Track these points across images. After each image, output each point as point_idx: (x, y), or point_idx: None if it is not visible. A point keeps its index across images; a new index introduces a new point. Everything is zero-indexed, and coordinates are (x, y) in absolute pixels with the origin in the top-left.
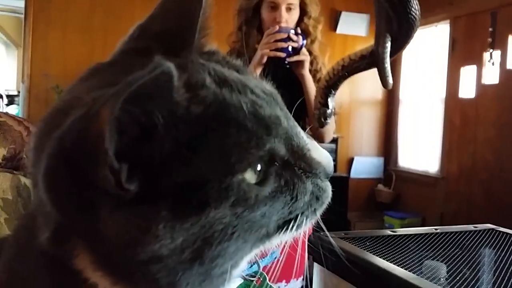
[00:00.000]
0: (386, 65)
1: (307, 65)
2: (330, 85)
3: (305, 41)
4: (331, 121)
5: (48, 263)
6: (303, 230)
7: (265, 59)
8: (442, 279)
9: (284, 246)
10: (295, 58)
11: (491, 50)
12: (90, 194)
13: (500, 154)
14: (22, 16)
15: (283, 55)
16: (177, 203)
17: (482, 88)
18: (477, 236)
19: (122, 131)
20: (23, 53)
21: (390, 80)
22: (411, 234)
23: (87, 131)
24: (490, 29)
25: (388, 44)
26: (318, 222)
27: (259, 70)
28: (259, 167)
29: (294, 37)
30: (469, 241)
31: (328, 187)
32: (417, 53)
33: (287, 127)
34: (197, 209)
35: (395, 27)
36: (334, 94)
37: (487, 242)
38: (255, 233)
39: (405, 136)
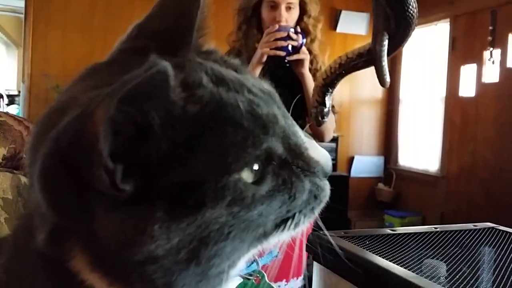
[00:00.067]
0: (383, 64)
1: (307, 64)
2: (327, 83)
3: (305, 40)
4: (331, 120)
5: (45, 264)
6: (301, 228)
7: (265, 58)
8: (442, 277)
9: (284, 245)
10: (295, 56)
11: (491, 49)
12: (86, 195)
13: (500, 153)
14: (22, 16)
15: (283, 53)
16: (173, 203)
17: (482, 87)
18: (477, 235)
19: (117, 131)
20: (23, 53)
21: (388, 78)
22: (410, 233)
23: (82, 131)
24: (490, 28)
25: (386, 42)
26: (317, 221)
27: (259, 69)
28: (256, 166)
29: (294, 36)
30: (469, 240)
31: (327, 186)
32: (417, 52)
33: (284, 125)
34: (193, 209)
35: (392, 25)
36: (332, 92)
37: (487, 241)
38: (252, 232)
39: (405, 135)
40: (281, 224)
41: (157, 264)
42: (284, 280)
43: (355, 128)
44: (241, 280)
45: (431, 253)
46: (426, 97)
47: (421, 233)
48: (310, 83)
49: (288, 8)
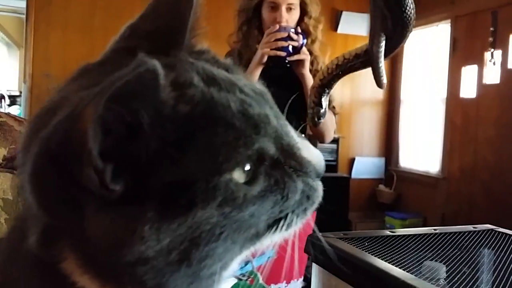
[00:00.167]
0: (380, 65)
1: (307, 65)
2: (324, 84)
3: (305, 40)
4: (332, 121)
5: (37, 266)
6: (294, 229)
7: (265, 58)
8: (441, 279)
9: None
10: (296, 57)
11: (492, 50)
12: (76, 195)
13: (501, 154)
14: (24, 16)
15: (283, 54)
16: (164, 204)
17: (483, 88)
18: (477, 237)
19: (107, 131)
20: (25, 53)
21: (384, 80)
22: (410, 235)
23: (72, 131)
24: (491, 29)
25: (383, 44)
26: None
27: (259, 69)
28: (247, 167)
29: (295, 36)
30: (468, 242)
31: (319, 187)
32: (418, 53)
33: (276, 126)
34: (184, 210)
35: (390, 26)
36: (328, 93)
37: (486, 243)
38: (244, 233)
39: (406, 136)
40: (273, 224)
41: (147, 265)
42: (285, 281)
43: (355, 129)
44: (235, 280)
45: (430, 255)
46: (427, 98)
47: (420, 234)
48: (311, 84)
49: (289, 9)
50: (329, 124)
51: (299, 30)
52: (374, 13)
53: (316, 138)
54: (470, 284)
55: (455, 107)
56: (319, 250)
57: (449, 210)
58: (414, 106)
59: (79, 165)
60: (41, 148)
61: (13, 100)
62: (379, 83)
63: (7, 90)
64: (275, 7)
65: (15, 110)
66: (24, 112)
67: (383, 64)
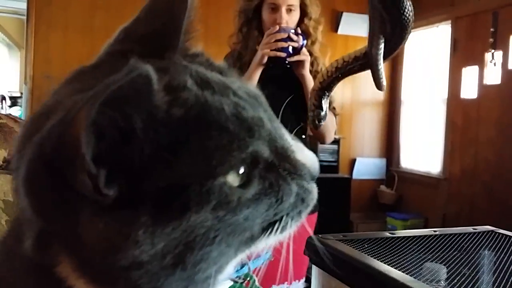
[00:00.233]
0: (379, 67)
1: (307, 65)
2: (324, 87)
3: (305, 41)
4: (332, 122)
5: (32, 269)
6: (289, 232)
7: (265, 59)
8: (442, 281)
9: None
10: (296, 58)
11: (492, 51)
12: (71, 199)
13: (502, 154)
14: (24, 17)
15: (283, 55)
16: (158, 208)
17: (484, 89)
18: (477, 238)
19: (100, 136)
20: (26, 54)
21: (384, 82)
22: (410, 236)
23: (65, 136)
24: (492, 30)
25: (382, 46)
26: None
27: (259, 70)
28: (242, 170)
29: (295, 37)
30: (468, 243)
31: (314, 189)
32: (418, 53)
33: (270, 129)
34: (178, 214)
35: (388, 28)
36: (328, 95)
37: (486, 244)
38: (239, 236)
39: (407, 137)
40: (268, 227)
41: (142, 270)
42: (286, 283)
43: (356, 130)
44: (231, 283)
45: (430, 256)
46: (428, 99)
47: (420, 236)
48: (311, 85)
49: (289, 10)
50: (329, 125)
51: (299, 31)
52: (373, 16)
53: (316, 139)
54: (470, 285)
55: (456, 107)
56: (318, 252)
57: (450, 210)
58: (415, 106)
59: (72, 170)
60: (35, 153)
61: (14, 101)
62: (378, 86)
63: (8, 91)
64: (275, 8)
65: (16, 111)
66: (25, 113)
67: (382, 66)
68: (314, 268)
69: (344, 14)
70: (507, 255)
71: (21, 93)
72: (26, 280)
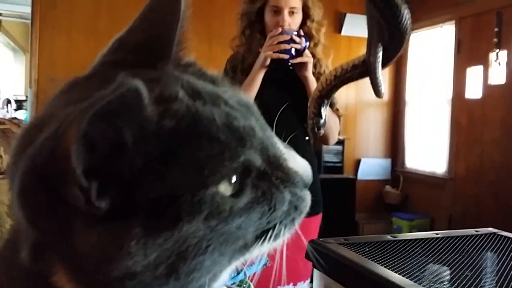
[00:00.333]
0: (378, 75)
1: (310, 67)
2: (323, 95)
3: (308, 43)
4: (336, 123)
5: (30, 279)
6: (282, 239)
7: (268, 61)
8: (445, 283)
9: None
10: (298, 60)
11: (497, 50)
12: (64, 211)
13: (507, 154)
14: (29, 21)
15: (286, 56)
16: (150, 219)
17: (488, 89)
18: (479, 240)
19: (91, 149)
20: (30, 58)
21: (382, 89)
22: (411, 239)
23: (56, 150)
24: (496, 29)
25: (380, 54)
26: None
27: (262, 73)
28: (234, 179)
29: (297, 39)
30: (470, 246)
31: (307, 196)
32: (422, 54)
33: (262, 137)
34: (170, 224)
35: (386, 36)
36: (327, 103)
37: (489, 246)
38: (232, 245)
39: (412, 137)
40: (261, 235)
41: (135, 280)
42: (292, 283)
43: (361, 130)
44: None
45: (433, 259)
46: (432, 99)
47: (422, 239)
48: (314, 87)
49: (291, 13)
50: (333, 126)
51: (302, 33)
52: (371, 24)
53: (320, 140)
54: (473, 287)
55: (461, 107)
56: (321, 255)
57: (456, 210)
58: (420, 107)
59: (64, 184)
60: (28, 166)
61: (19, 104)
62: (377, 93)
63: (14, 95)
64: (278, 11)
65: (21, 115)
66: (30, 117)
67: (380, 74)
68: (316, 272)
69: (348, 15)
70: (510, 257)
71: (26, 97)
72: None
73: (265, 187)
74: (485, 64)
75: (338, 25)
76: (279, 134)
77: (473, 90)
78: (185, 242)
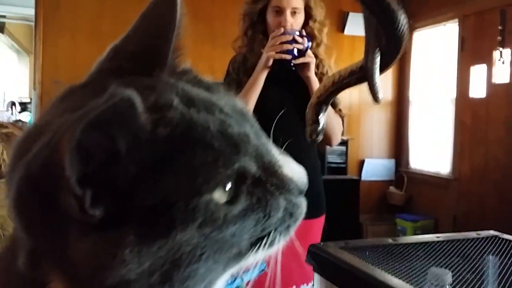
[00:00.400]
0: (375, 80)
1: (312, 67)
2: (321, 101)
3: (310, 43)
4: (339, 124)
5: (27, 286)
6: (277, 247)
7: (270, 62)
8: (447, 286)
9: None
10: (301, 60)
11: (501, 49)
12: (59, 220)
13: None
14: (33, 23)
15: (288, 57)
16: (144, 227)
17: (492, 87)
18: (480, 244)
19: (84, 158)
20: (34, 60)
21: (380, 95)
22: (412, 243)
23: (50, 160)
24: (500, 27)
25: (378, 59)
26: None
27: (265, 73)
28: (228, 186)
29: (299, 39)
30: (472, 249)
31: (303, 203)
32: (426, 53)
33: (257, 144)
34: (164, 232)
35: (383, 41)
36: (326, 110)
37: (490, 249)
38: (226, 253)
39: (416, 137)
40: (256, 243)
41: None
42: (294, 286)
43: (365, 131)
44: None
45: (433, 263)
46: (436, 99)
47: (423, 243)
48: (316, 87)
49: (293, 13)
50: (336, 127)
51: (304, 33)
52: (368, 29)
53: (323, 141)
54: None
55: (465, 107)
56: (321, 259)
57: (460, 211)
58: (423, 106)
59: (58, 192)
60: (23, 174)
61: (24, 106)
62: (375, 98)
63: (18, 97)
64: (280, 12)
65: (25, 117)
66: (35, 119)
67: (378, 79)
68: (316, 276)
69: (351, 14)
70: (511, 260)
71: (31, 99)
72: None
73: (260, 194)
74: (489, 62)
75: (341, 24)
76: (281, 135)
77: (477, 89)
78: (179, 250)
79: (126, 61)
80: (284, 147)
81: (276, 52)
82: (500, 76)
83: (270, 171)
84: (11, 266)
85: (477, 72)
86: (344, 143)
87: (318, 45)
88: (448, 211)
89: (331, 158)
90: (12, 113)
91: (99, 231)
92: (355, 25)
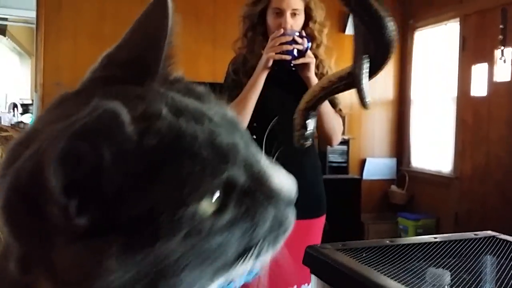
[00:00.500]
0: (363, 86)
1: (312, 68)
2: (310, 107)
3: (310, 44)
4: (339, 124)
5: None
6: (265, 257)
7: (270, 63)
8: (445, 286)
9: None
10: (301, 60)
11: (502, 48)
12: (46, 228)
13: None
14: (34, 26)
15: (288, 57)
16: (129, 236)
17: (494, 86)
18: (478, 244)
19: (69, 168)
20: (36, 62)
21: (368, 101)
22: (409, 244)
23: (36, 169)
24: (501, 26)
25: (366, 66)
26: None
27: (265, 74)
28: (216, 196)
29: (299, 40)
30: (469, 249)
31: (291, 213)
32: (427, 52)
33: (246, 154)
34: (149, 242)
35: (372, 48)
36: (315, 115)
37: (487, 250)
38: (213, 263)
39: (417, 136)
40: (244, 253)
41: None
42: (295, 286)
43: (366, 130)
44: None
45: (431, 264)
46: (438, 97)
47: (420, 243)
48: None
49: (293, 15)
50: (336, 127)
51: (304, 34)
52: (357, 36)
53: (324, 140)
54: None
55: (466, 105)
56: (318, 261)
57: (462, 209)
58: (425, 105)
59: (44, 201)
60: (11, 182)
61: (25, 108)
62: (363, 104)
63: (20, 99)
64: (280, 13)
65: (27, 118)
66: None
67: (367, 85)
68: (314, 278)
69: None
70: (508, 260)
71: (32, 101)
72: None
73: (248, 204)
74: (490, 61)
75: (342, 24)
76: (281, 135)
77: (479, 88)
78: (164, 260)
79: (118, 70)
80: (284, 147)
81: (276, 53)
82: (502, 75)
83: (259, 181)
84: (4, 271)
85: (479, 71)
86: (345, 142)
87: (318, 46)
88: (449, 210)
89: (333, 157)
90: (14, 115)
91: (84, 239)
92: None
